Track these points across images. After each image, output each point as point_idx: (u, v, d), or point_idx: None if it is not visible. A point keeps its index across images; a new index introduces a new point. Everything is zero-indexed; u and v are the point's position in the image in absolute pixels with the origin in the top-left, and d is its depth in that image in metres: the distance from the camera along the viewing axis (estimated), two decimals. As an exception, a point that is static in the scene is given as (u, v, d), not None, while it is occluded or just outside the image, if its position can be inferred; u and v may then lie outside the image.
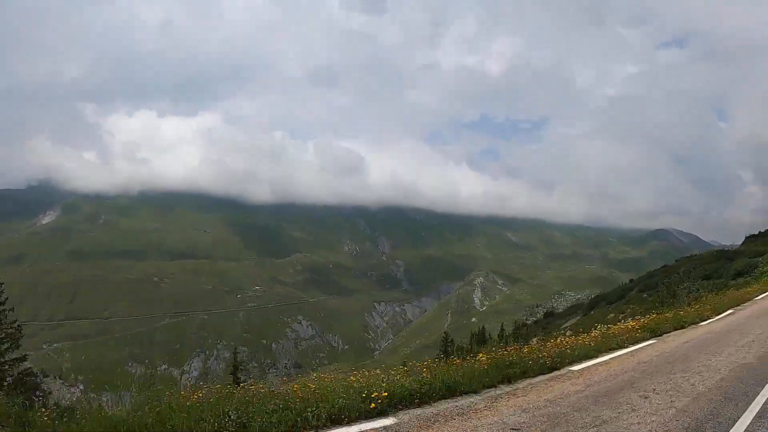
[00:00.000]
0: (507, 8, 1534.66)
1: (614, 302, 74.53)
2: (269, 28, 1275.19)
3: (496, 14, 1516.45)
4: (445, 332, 43.84)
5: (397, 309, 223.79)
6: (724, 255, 76.42)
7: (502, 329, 48.59)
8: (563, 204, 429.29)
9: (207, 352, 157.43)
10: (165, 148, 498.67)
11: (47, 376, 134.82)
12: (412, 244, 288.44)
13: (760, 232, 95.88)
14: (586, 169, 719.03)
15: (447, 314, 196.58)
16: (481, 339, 55.43)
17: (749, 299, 25.00)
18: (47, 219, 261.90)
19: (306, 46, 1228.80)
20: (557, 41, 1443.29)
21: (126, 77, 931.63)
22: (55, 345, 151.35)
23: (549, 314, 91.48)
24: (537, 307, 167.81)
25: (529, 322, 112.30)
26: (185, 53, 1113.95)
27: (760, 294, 27.20)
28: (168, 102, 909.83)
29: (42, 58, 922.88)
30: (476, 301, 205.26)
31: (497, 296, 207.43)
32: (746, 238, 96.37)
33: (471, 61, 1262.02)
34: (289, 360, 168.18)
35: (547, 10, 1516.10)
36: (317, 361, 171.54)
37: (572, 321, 78.06)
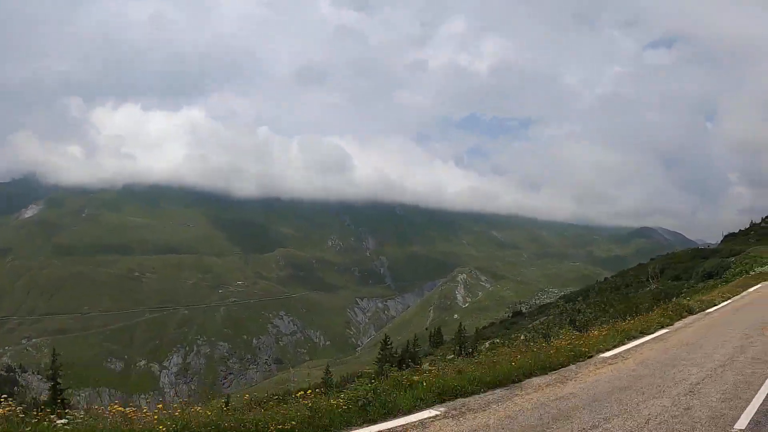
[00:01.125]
0: (496, 8, 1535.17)
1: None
2: (257, 24, 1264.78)
3: (485, 13, 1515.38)
4: (385, 335, 44.74)
5: (379, 305, 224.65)
6: (700, 254, 77.34)
7: (459, 330, 49.48)
8: (550, 203, 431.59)
9: (187, 348, 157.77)
10: (150, 143, 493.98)
11: (25, 372, 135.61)
12: (397, 240, 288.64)
13: (740, 230, 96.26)
14: (574, 169, 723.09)
15: (429, 310, 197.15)
16: (438, 340, 56.74)
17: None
18: (30, 213, 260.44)
19: (294, 43, 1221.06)
20: (546, 41, 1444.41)
21: (111, 71, 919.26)
22: (34, 340, 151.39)
23: (518, 314, 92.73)
24: (520, 304, 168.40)
25: (507, 318, 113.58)
26: (171, 48, 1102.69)
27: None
28: (153, 96, 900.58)
29: (26, 52, 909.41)
30: (459, 297, 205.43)
31: (480, 293, 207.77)
32: (724, 236, 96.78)
33: (460, 59, 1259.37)
34: (269, 356, 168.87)
35: (536, 10, 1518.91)
36: (298, 357, 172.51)
37: (539, 321, 79.21)
